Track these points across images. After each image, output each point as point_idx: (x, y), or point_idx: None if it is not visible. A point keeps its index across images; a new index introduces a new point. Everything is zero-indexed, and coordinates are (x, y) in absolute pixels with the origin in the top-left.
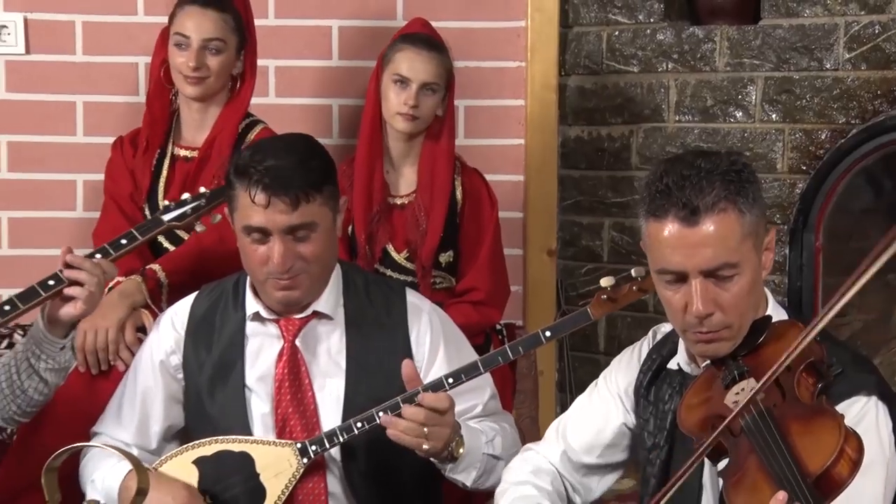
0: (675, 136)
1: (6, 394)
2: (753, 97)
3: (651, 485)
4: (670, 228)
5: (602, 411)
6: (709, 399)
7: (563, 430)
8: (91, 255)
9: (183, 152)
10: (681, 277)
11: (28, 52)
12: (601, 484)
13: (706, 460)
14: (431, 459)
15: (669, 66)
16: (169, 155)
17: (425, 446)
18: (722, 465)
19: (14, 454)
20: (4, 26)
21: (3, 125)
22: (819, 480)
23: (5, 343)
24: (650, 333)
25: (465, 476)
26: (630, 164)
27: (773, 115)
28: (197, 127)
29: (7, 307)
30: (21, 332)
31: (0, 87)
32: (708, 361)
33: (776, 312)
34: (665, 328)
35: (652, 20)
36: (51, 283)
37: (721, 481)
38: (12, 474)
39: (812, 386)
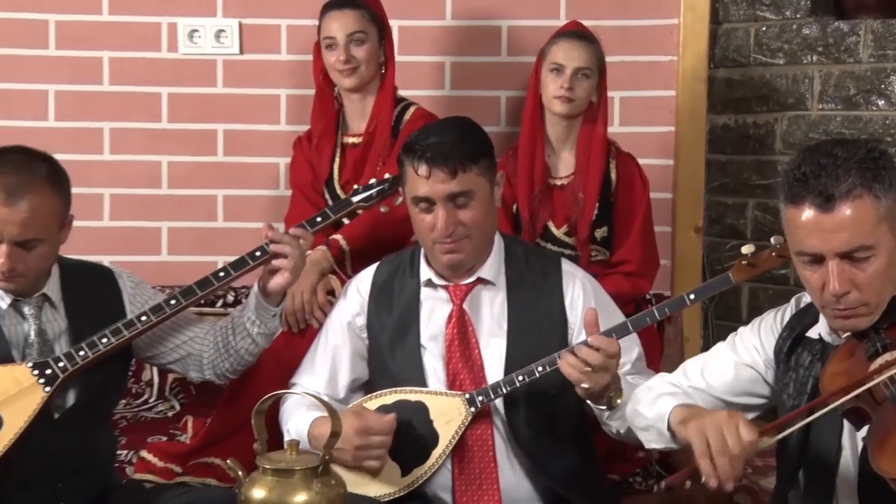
0: (818, 123)
1: (221, 352)
2: None
3: (790, 442)
4: (807, 214)
5: (740, 358)
6: (851, 369)
7: (701, 368)
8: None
9: (350, 140)
10: (818, 259)
11: (241, 52)
12: None
13: (846, 423)
14: (591, 404)
15: (814, 58)
16: (339, 145)
17: (585, 385)
18: (863, 431)
19: (227, 400)
20: (223, 30)
21: (219, 115)
22: None
23: (220, 302)
24: (793, 301)
25: (620, 423)
26: (774, 149)
27: None
28: (359, 116)
29: (221, 274)
30: (233, 293)
31: (218, 83)
32: (849, 333)
33: None
34: (807, 297)
35: (798, 16)
36: (257, 254)
37: (861, 445)
38: (226, 416)
39: None
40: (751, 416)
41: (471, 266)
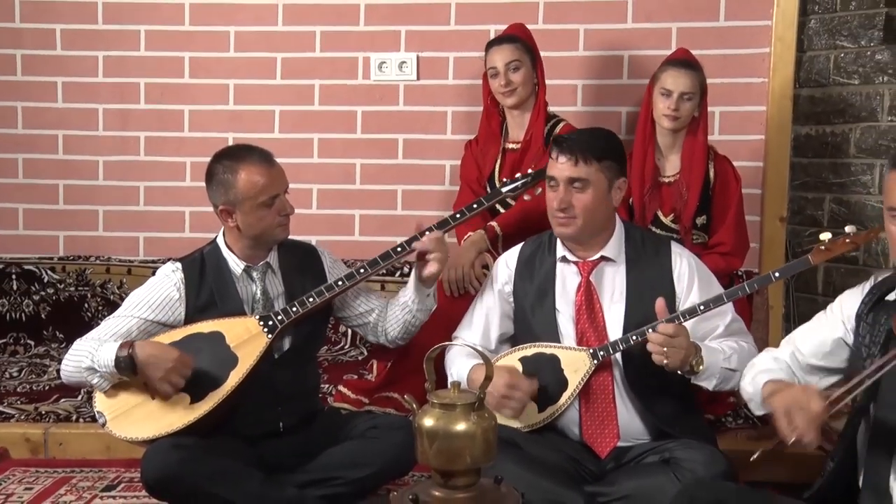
0: (887, 132)
1: (391, 323)
2: None
3: (862, 391)
4: None
5: (827, 327)
6: None
7: (793, 339)
8: (453, 216)
9: (511, 146)
10: None
11: (418, 78)
12: (821, 383)
13: None
14: (679, 373)
15: (885, 79)
16: (501, 149)
17: (665, 361)
18: None
19: (403, 348)
20: (404, 62)
21: (400, 128)
22: None
23: (399, 273)
24: (871, 277)
25: (707, 383)
26: (848, 153)
27: None
28: (518, 127)
29: (399, 248)
30: (409, 266)
31: (400, 103)
32: None
33: None
34: (883, 274)
35: (872, 44)
36: (426, 232)
37: None
38: (402, 362)
39: None
40: (833, 378)
41: (583, 242)
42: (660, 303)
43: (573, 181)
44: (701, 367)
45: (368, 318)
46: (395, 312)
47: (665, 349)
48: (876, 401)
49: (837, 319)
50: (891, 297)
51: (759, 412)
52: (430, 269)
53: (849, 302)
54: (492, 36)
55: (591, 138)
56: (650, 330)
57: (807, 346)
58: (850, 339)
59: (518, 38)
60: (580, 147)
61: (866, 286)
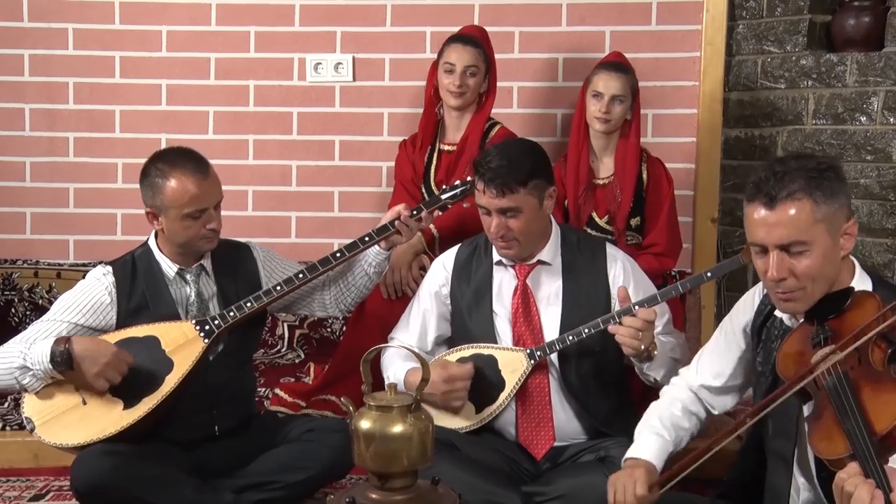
0: (812, 135)
1: (342, 290)
2: (876, 106)
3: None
4: (757, 211)
5: (727, 348)
6: (800, 353)
7: (701, 364)
8: (391, 223)
9: (446, 147)
10: (764, 249)
11: (354, 80)
12: (734, 399)
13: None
14: (633, 360)
15: (809, 83)
16: (437, 150)
17: (642, 346)
18: (807, 409)
19: (340, 351)
20: (340, 63)
21: (337, 129)
22: (884, 439)
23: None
24: (759, 284)
25: (657, 373)
26: (776, 155)
27: (891, 119)
28: (455, 129)
29: (338, 254)
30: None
31: (336, 104)
32: (802, 318)
33: (861, 282)
34: None
35: (797, 49)
36: (366, 238)
37: (806, 425)
38: (339, 364)
39: (884, 353)
40: (743, 392)
41: (524, 256)
42: (622, 290)
43: (504, 211)
44: (655, 353)
45: (312, 295)
46: (348, 279)
47: (641, 333)
48: (768, 431)
49: (735, 333)
50: (779, 312)
51: None
52: (398, 237)
53: (742, 314)
54: (428, 38)
55: (512, 163)
56: (616, 318)
57: (711, 370)
58: (750, 350)
59: (481, 44)
60: (503, 178)
61: (756, 297)
